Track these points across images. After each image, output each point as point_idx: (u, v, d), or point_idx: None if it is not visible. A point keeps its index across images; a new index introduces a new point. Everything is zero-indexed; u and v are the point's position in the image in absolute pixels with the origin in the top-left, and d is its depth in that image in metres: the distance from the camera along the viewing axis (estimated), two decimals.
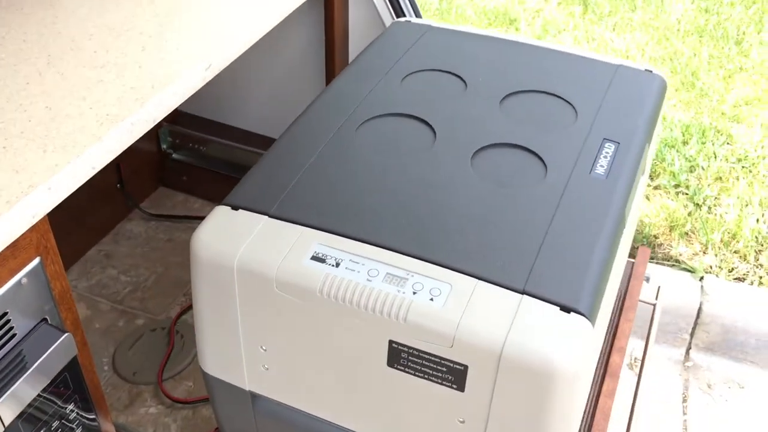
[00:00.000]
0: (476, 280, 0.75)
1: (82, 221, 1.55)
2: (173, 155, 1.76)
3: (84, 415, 0.92)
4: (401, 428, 0.82)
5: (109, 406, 1.26)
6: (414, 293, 0.74)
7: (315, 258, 0.77)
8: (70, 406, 0.88)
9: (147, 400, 1.27)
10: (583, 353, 0.70)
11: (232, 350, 0.86)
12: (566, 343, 0.69)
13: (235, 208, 0.84)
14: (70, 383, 0.86)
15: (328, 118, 0.97)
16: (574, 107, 0.97)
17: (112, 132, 0.85)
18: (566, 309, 0.72)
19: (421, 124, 0.95)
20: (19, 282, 0.79)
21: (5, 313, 0.78)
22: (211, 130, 1.71)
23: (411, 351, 0.74)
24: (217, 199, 1.79)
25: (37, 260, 0.80)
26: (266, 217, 0.82)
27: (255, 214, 0.83)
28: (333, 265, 0.77)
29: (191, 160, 1.75)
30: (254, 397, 0.90)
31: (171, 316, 1.42)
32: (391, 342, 0.75)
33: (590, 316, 0.72)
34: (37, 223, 0.78)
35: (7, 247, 0.76)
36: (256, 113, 1.66)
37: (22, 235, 0.77)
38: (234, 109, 1.69)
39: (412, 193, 0.84)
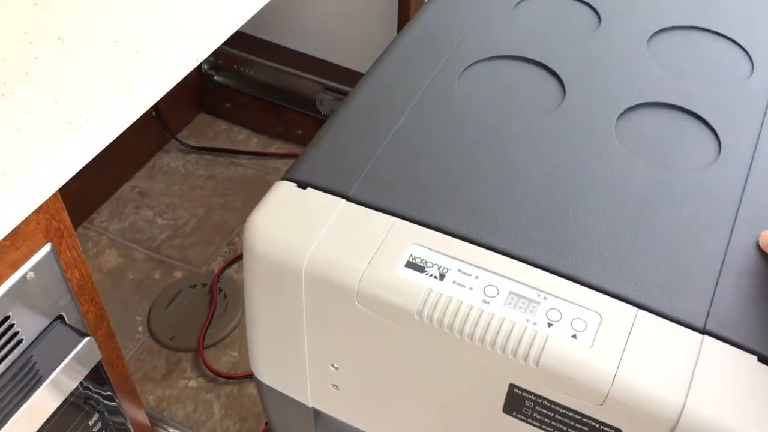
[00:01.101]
0: (636, 309, 0.54)
1: (112, 153, 1.36)
2: (215, 77, 1.54)
3: (113, 420, 0.76)
4: None
5: (144, 376, 1.11)
6: (549, 325, 0.54)
7: (411, 265, 0.57)
8: (95, 417, 0.72)
9: (186, 370, 1.12)
10: None
11: (293, 364, 0.68)
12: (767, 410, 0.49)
13: (302, 185, 0.63)
14: (92, 391, 0.70)
15: (418, 61, 0.74)
16: (748, 53, 0.73)
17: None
18: (766, 359, 0.52)
19: (543, 72, 0.72)
20: (24, 277, 0.60)
21: (6, 318, 0.60)
22: (259, 50, 1.48)
23: (540, 401, 0.55)
24: (264, 130, 1.59)
25: (47, 247, 0.62)
26: (344, 201, 0.62)
27: (330, 195, 0.62)
28: (435, 277, 0.56)
29: (235, 83, 1.53)
30: (318, 413, 0.73)
31: (213, 270, 1.25)
32: (512, 386, 0.56)
33: None
34: (45, 202, 0.59)
35: (6, 237, 0.57)
36: (313, 32, 1.43)
37: (25, 219, 0.58)
38: (287, 26, 1.45)
39: (540, 175, 0.63)
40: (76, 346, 0.64)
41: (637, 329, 0.53)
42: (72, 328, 0.65)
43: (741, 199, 0.61)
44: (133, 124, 0.67)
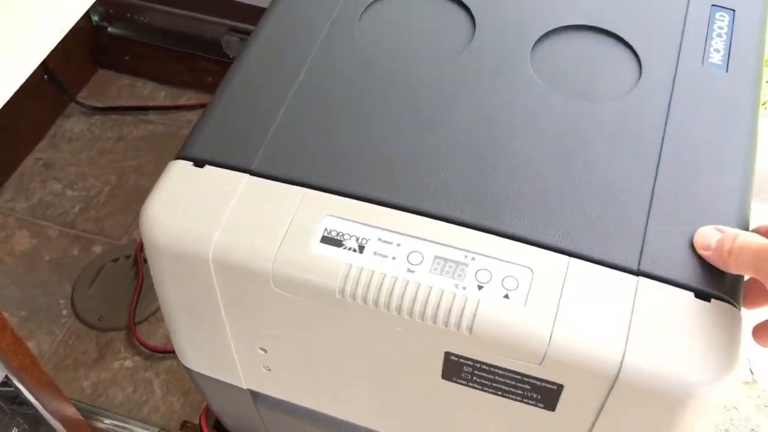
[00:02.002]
0: (567, 258, 0.51)
1: (8, 125, 1.26)
2: (109, 29, 1.43)
3: (37, 428, 0.71)
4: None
5: (75, 362, 1.06)
6: (479, 287, 0.50)
7: (327, 239, 0.53)
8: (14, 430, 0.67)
9: (120, 350, 1.06)
10: (735, 360, 0.48)
11: (219, 350, 0.63)
12: (714, 350, 0.47)
13: (198, 163, 0.57)
14: (4, 406, 0.64)
15: (313, 3, 0.67)
16: None
17: None
18: (704, 295, 0.50)
19: (451, 4, 0.67)
20: None
21: None
22: None
23: (478, 365, 0.52)
24: (171, 81, 1.49)
25: None
26: (247, 176, 0.56)
27: (231, 171, 0.57)
28: (354, 250, 0.52)
29: (132, 33, 1.42)
30: (256, 394, 0.69)
31: (135, 239, 1.18)
32: (448, 354, 0.53)
33: (737, 301, 0.50)
34: None
35: None
36: None
37: None
38: None
39: (455, 122, 0.58)
40: None
41: (570, 280, 0.50)
42: None
43: (666, 123, 0.58)
44: (25, 91, 0.60)
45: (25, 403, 0.67)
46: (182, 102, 1.41)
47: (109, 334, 1.08)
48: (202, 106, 1.39)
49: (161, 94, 1.42)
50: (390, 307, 0.51)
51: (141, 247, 1.17)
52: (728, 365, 0.48)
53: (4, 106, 0.67)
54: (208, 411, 0.83)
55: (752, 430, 1.03)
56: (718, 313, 0.49)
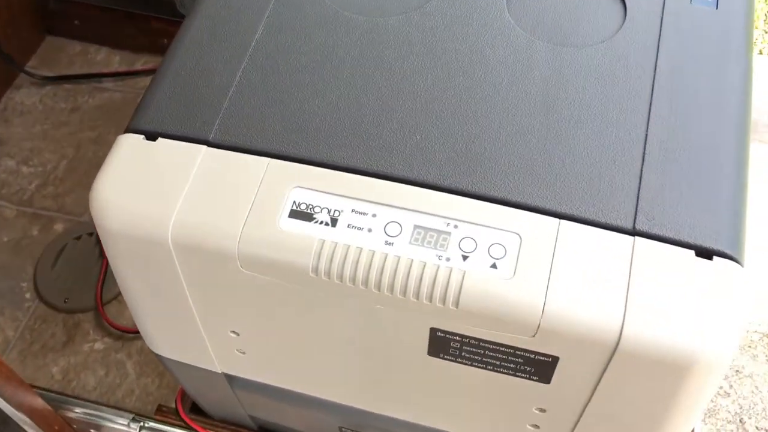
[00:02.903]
0: (557, 220, 0.47)
1: None
2: None
3: None
4: (443, 414, 0.59)
5: (43, 347, 1.01)
6: (464, 257, 0.46)
7: (296, 213, 0.48)
8: None
9: (89, 332, 1.02)
10: (741, 322, 0.45)
11: (189, 335, 0.59)
12: (719, 313, 0.44)
13: (150, 136, 0.52)
14: None
15: None
16: None
17: None
18: (705, 252, 0.46)
19: None
20: None
21: None
22: None
23: (466, 341, 0.49)
24: (125, 45, 1.41)
25: None
26: (205, 147, 0.51)
27: (186, 143, 0.52)
28: (326, 223, 0.48)
29: None
30: (232, 377, 0.65)
31: None
32: (434, 330, 0.49)
33: (740, 256, 0.47)
34: None
35: None
36: None
37: None
38: None
39: (430, 77, 0.53)
40: None
41: (561, 244, 0.46)
42: None
43: (655, 67, 0.54)
44: None
45: None
46: (138, 67, 1.33)
47: (76, 316, 1.03)
48: None
49: (115, 60, 1.35)
50: (368, 284, 0.47)
51: None
52: (735, 328, 0.45)
53: None
54: (184, 394, 0.80)
55: (737, 371, 1.02)
56: (721, 272, 0.45)
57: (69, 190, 1.17)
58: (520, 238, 0.47)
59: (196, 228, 0.48)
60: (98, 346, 1.01)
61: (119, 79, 1.32)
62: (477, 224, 0.47)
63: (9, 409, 0.69)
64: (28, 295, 1.06)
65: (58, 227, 1.13)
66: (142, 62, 1.34)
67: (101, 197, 0.50)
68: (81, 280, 1.06)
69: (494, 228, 0.47)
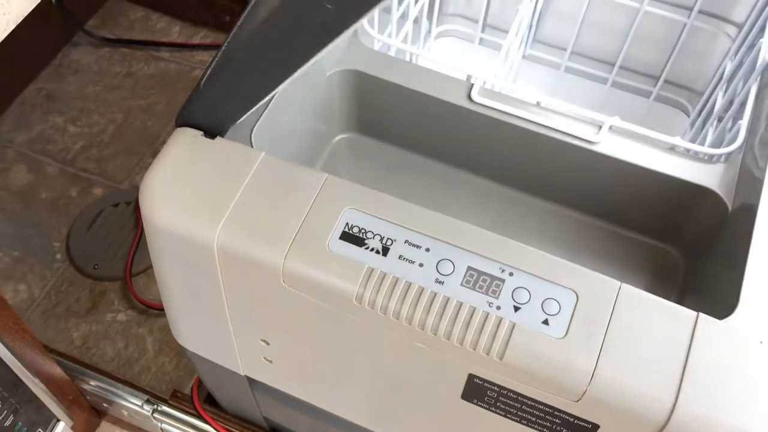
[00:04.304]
0: (618, 283, 0.45)
1: (10, 50, 1.18)
2: None
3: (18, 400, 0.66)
4: None
5: (67, 311, 1.01)
6: (516, 308, 0.44)
7: (347, 236, 0.47)
8: None
9: (114, 302, 1.02)
10: None
11: (219, 336, 0.58)
12: None
13: (209, 134, 0.51)
14: None
15: None
16: None
17: None
18: None
19: None
20: None
21: None
22: None
23: (504, 392, 0.47)
24: (187, 16, 1.40)
25: None
26: (263, 153, 0.50)
27: (245, 147, 0.50)
28: (378, 251, 0.46)
29: None
30: (253, 380, 0.64)
31: (137, 185, 1.12)
32: (472, 377, 0.47)
33: None
34: None
35: None
36: None
37: None
38: None
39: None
40: None
41: (620, 309, 0.44)
42: None
43: None
44: (31, 13, 0.53)
45: (6, 369, 0.62)
46: (197, 41, 1.33)
47: (103, 284, 1.03)
48: (218, 47, 1.31)
49: (175, 30, 1.34)
50: (413, 321, 0.45)
51: None
52: None
53: None
54: (200, 383, 0.79)
55: None
56: None
57: (113, 155, 1.17)
58: (577, 297, 0.45)
59: (243, 236, 0.47)
60: (121, 317, 1.00)
61: (176, 50, 1.31)
62: (533, 275, 0.45)
63: (26, 375, 0.69)
64: (58, 256, 1.06)
65: (97, 191, 1.13)
66: (201, 36, 1.33)
67: (152, 191, 0.49)
68: (113, 249, 1.06)
69: (551, 282, 0.45)
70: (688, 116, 0.94)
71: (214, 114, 0.51)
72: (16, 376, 0.65)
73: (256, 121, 0.55)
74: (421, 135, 0.67)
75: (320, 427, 0.68)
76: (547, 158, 0.63)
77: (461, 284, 0.45)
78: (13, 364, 0.65)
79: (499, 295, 0.45)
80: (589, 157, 0.61)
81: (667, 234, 0.65)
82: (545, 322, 0.44)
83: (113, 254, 1.05)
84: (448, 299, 0.45)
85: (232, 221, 0.47)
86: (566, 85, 0.96)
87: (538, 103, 0.64)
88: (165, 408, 0.80)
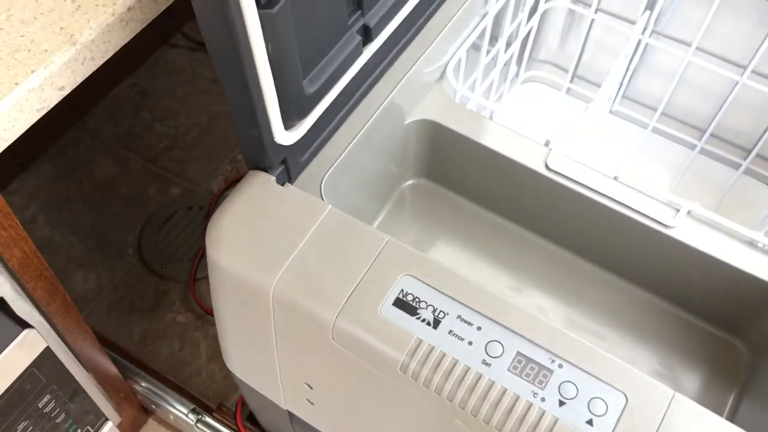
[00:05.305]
0: (672, 391, 0.44)
1: None
2: None
3: (71, 399, 0.69)
4: None
5: (131, 306, 1.04)
6: (561, 403, 0.43)
7: (400, 303, 0.47)
8: (45, 398, 0.64)
9: (175, 303, 1.05)
10: None
11: (266, 371, 0.59)
12: None
13: (281, 181, 0.52)
14: (41, 378, 0.62)
15: None
16: None
17: None
18: None
19: None
20: None
21: None
22: None
23: None
24: None
25: None
26: (330, 206, 0.50)
27: (313, 198, 0.51)
28: (429, 323, 0.46)
29: None
30: (293, 415, 0.65)
31: (212, 190, 1.15)
32: None
33: None
34: None
35: None
36: None
37: None
38: None
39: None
40: (12, 338, 0.55)
41: (670, 419, 0.43)
42: (10, 316, 0.56)
43: None
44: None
45: (65, 371, 0.65)
46: None
47: (168, 284, 1.06)
48: None
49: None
50: (454, 399, 0.45)
51: (216, 200, 1.14)
52: None
53: None
54: (244, 401, 0.80)
55: None
56: None
57: (193, 158, 1.21)
58: (626, 400, 0.43)
59: (299, 289, 0.48)
60: (180, 318, 1.03)
61: None
62: (583, 370, 0.44)
63: (83, 373, 0.72)
64: (130, 251, 1.10)
65: (174, 191, 1.16)
66: None
67: (219, 231, 0.50)
68: (182, 250, 1.09)
69: (601, 380, 0.44)
70: None
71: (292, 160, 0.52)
72: (72, 375, 0.68)
73: (329, 169, 0.55)
74: (493, 192, 0.67)
75: None
76: (620, 235, 0.62)
77: (508, 369, 0.44)
78: (71, 363, 0.67)
79: (545, 386, 0.44)
80: (663, 241, 0.59)
81: (736, 327, 0.63)
82: (589, 422, 0.43)
83: (181, 256, 1.08)
84: (493, 383, 0.44)
85: (290, 272, 0.48)
86: (652, 146, 0.93)
87: (615, 177, 0.63)
88: (208, 419, 0.82)
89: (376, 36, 0.53)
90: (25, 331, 0.56)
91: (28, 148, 1.22)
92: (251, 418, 0.83)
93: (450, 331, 0.46)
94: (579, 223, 0.64)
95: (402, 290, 0.47)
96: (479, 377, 0.44)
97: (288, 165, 0.52)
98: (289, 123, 0.49)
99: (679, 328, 0.64)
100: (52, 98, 0.50)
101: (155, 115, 1.26)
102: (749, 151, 0.89)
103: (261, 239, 0.49)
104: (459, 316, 0.46)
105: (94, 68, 0.53)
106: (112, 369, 0.79)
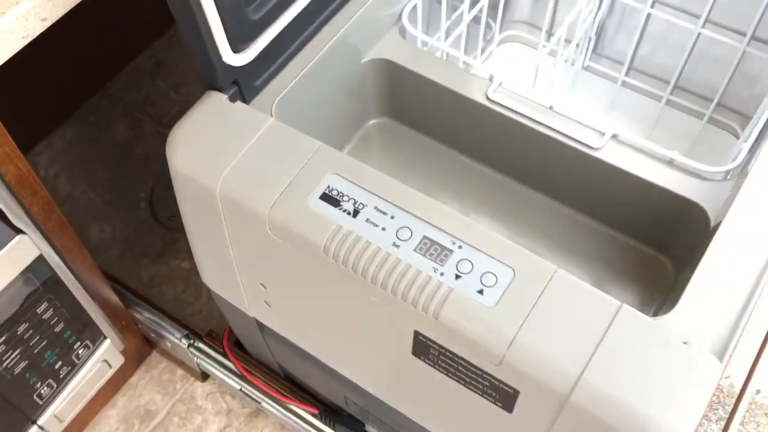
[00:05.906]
0: (555, 268, 0.50)
1: (128, 17, 1.33)
2: None
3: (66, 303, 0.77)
4: (424, 412, 0.63)
5: (141, 252, 1.14)
6: (457, 276, 0.50)
7: (326, 197, 0.54)
8: (44, 305, 0.73)
9: (181, 252, 1.13)
10: (701, 409, 0.46)
11: (229, 277, 0.67)
12: (682, 395, 0.45)
13: (232, 99, 0.59)
14: (37, 285, 0.71)
15: None
16: None
17: None
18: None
19: None
20: None
21: None
22: None
23: (443, 351, 0.52)
24: None
25: None
26: (272, 119, 0.58)
27: (257, 112, 0.58)
28: (349, 213, 0.53)
29: None
30: (260, 323, 0.72)
31: None
32: (417, 333, 0.53)
33: (721, 354, 0.47)
34: None
35: None
36: None
37: None
38: None
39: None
40: (8, 242, 0.64)
41: (550, 290, 0.49)
42: (6, 223, 0.65)
43: None
44: None
45: (60, 283, 0.73)
46: None
47: (175, 234, 1.15)
48: None
49: None
50: (367, 275, 0.51)
51: None
52: (693, 415, 0.45)
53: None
54: (231, 330, 0.88)
55: None
56: (696, 358, 0.46)
57: None
58: (514, 273, 0.50)
59: (239, 187, 0.55)
60: (185, 265, 1.12)
61: None
62: (479, 250, 0.51)
63: (82, 292, 0.80)
64: (142, 204, 1.20)
65: None
66: None
67: (175, 141, 0.58)
68: None
69: (493, 258, 0.50)
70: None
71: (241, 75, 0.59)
72: (68, 289, 0.76)
73: (280, 93, 0.62)
74: (446, 126, 0.73)
75: (317, 375, 0.76)
76: (553, 159, 0.67)
77: (414, 249, 0.51)
78: (68, 279, 0.76)
79: (445, 264, 0.50)
80: (590, 163, 0.65)
81: (660, 242, 0.68)
82: (480, 291, 0.49)
83: None
84: (399, 260, 0.51)
85: (233, 172, 0.55)
86: (622, 100, 0.98)
87: (551, 107, 0.68)
88: (199, 344, 0.90)
89: None
90: (19, 236, 0.65)
91: (54, 115, 1.32)
92: (238, 344, 0.90)
93: (367, 219, 0.52)
94: (519, 151, 0.69)
95: (328, 186, 0.54)
96: (388, 256, 0.51)
97: (240, 86, 0.59)
98: (237, 46, 0.56)
99: (612, 247, 0.69)
100: (36, 28, 0.59)
101: (170, 84, 1.35)
102: (713, 100, 0.93)
103: (211, 146, 0.57)
104: (376, 207, 0.53)
105: (74, 4, 0.61)
106: (113, 296, 0.88)
